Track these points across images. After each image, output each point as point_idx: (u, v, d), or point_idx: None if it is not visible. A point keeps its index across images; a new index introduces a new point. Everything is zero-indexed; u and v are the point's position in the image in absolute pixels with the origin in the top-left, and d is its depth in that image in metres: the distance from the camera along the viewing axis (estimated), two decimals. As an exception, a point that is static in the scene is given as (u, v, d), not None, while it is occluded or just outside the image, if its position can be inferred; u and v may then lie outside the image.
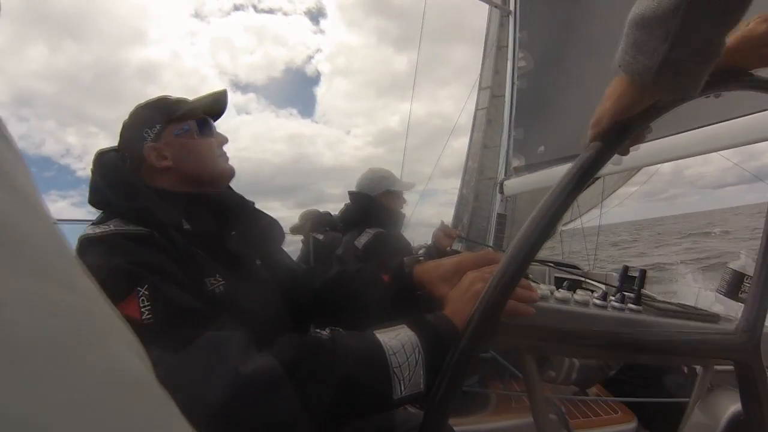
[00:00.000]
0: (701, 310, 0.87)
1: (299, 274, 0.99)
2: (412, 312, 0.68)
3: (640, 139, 0.63)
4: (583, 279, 2.71)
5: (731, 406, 0.85)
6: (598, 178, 3.03)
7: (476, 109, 4.35)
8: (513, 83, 3.09)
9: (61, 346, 0.14)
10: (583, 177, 0.57)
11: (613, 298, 0.77)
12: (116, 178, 0.77)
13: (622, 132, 0.58)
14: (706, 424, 0.84)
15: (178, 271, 0.67)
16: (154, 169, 0.82)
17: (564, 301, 0.71)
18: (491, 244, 3.21)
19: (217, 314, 0.63)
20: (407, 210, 2.27)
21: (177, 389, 0.50)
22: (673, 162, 1.75)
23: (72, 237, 0.73)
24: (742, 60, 0.61)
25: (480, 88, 4.33)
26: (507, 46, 3.36)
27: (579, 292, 0.74)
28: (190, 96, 0.91)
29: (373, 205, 2.06)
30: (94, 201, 0.78)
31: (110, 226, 0.70)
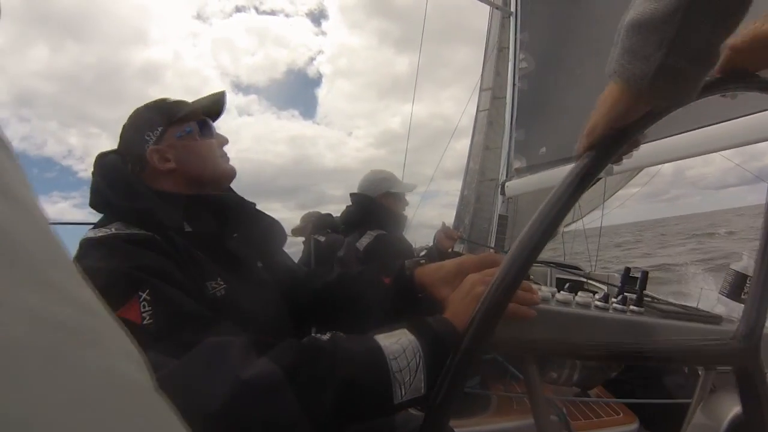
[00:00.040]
0: (703, 311, 0.86)
1: (300, 276, 0.99)
2: (414, 315, 0.68)
3: (634, 146, 0.62)
4: (584, 280, 2.70)
5: (733, 408, 0.85)
6: (599, 179, 3.02)
7: (477, 111, 4.35)
8: (514, 84, 3.09)
9: (57, 354, 0.14)
10: (578, 187, 0.56)
11: (614, 299, 0.77)
12: (117, 180, 0.77)
13: (617, 141, 0.57)
14: (709, 426, 0.83)
15: (179, 274, 0.67)
16: (157, 172, 0.82)
17: (565, 303, 0.71)
18: (493, 246, 3.21)
19: (218, 319, 0.63)
20: (409, 212, 2.28)
21: (177, 395, 0.50)
22: (674, 163, 1.75)
23: (74, 239, 0.73)
24: (750, 60, 0.59)
25: (481, 90, 4.33)
26: (508, 48, 3.37)
27: (580, 293, 0.74)
28: (192, 97, 0.92)
29: (374, 206, 2.06)
30: (95, 203, 0.78)
31: (112, 229, 0.71)
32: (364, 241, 1.95)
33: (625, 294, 0.78)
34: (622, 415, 1.63)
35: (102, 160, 0.81)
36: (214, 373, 0.51)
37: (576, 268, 3.56)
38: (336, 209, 2.50)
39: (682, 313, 0.79)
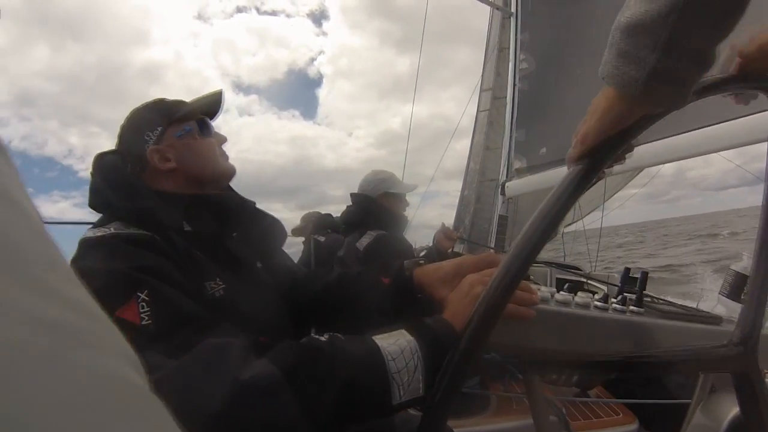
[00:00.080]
0: (703, 312, 0.86)
1: (300, 277, 0.99)
2: (413, 315, 0.68)
3: (628, 151, 0.61)
4: (584, 280, 2.70)
5: (733, 408, 0.85)
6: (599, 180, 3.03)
7: (478, 111, 4.35)
8: (514, 85, 3.10)
9: (50, 354, 0.14)
10: (570, 198, 0.56)
11: (614, 300, 0.77)
12: (117, 180, 0.77)
13: (610, 149, 0.56)
14: (708, 426, 0.83)
15: (178, 275, 0.67)
16: (157, 172, 0.82)
17: (565, 303, 0.71)
18: (493, 246, 3.21)
19: (217, 320, 0.63)
20: (409, 212, 2.27)
21: (176, 396, 0.50)
22: (675, 164, 1.75)
23: (74, 238, 0.73)
24: (763, 68, 0.58)
25: (481, 90, 4.33)
26: (508, 48, 3.37)
27: (580, 294, 0.74)
28: (193, 97, 0.92)
29: (375, 206, 2.06)
30: (94, 203, 0.78)
31: (111, 229, 0.70)
32: (364, 241, 1.95)
33: (625, 294, 0.78)
34: (621, 415, 1.63)
35: (101, 160, 0.81)
36: (213, 375, 0.51)
37: (576, 268, 3.56)
38: (336, 209, 2.50)
39: (681, 314, 0.79)
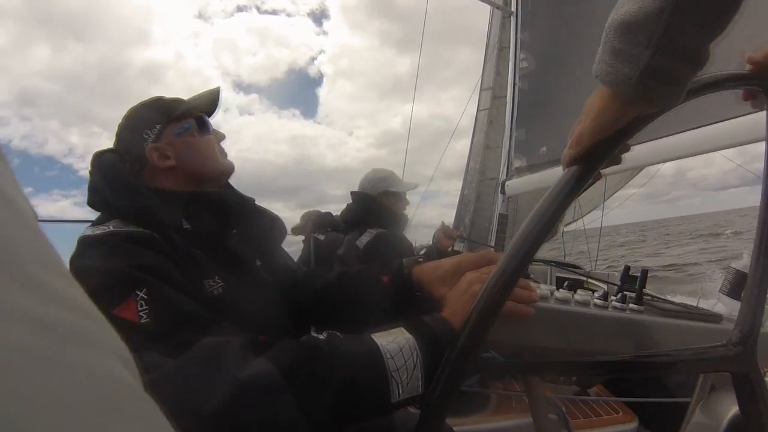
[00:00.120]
0: (703, 310, 0.86)
1: (299, 276, 0.99)
2: (412, 313, 0.68)
3: (624, 151, 0.60)
4: (585, 279, 2.70)
5: (733, 407, 0.85)
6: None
7: (478, 110, 4.36)
8: (515, 84, 3.09)
9: (43, 353, 0.14)
10: (566, 198, 0.56)
11: (614, 298, 0.77)
12: (115, 178, 0.77)
13: (605, 150, 0.55)
14: (708, 425, 0.83)
15: (177, 273, 0.66)
16: (156, 170, 0.82)
17: (564, 301, 0.71)
18: (493, 245, 3.21)
19: (216, 318, 0.63)
20: (409, 211, 2.27)
21: (174, 395, 0.49)
22: (675, 164, 1.75)
23: (74, 237, 0.73)
24: None
25: (482, 89, 4.34)
26: (509, 47, 3.37)
27: (579, 291, 0.74)
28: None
29: (375, 205, 2.06)
30: (93, 202, 0.78)
31: (109, 227, 0.70)
32: (364, 240, 1.95)
33: (625, 292, 0.78)
34: (621, 413, 1.63)
35: (99, 158, 0.81)
36: (212, 374, 0.50)
37: (576, 267, 3.56)
38: (337, 209, 2.50)
39: (681, 312, 0.79)
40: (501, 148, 3.41)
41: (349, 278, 0.94)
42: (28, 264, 0.16)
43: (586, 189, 0.58)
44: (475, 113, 4.37)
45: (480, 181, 4.23)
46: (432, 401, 0.55)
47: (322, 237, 2.51)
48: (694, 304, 1.03)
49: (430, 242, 2.36)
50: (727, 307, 1.41)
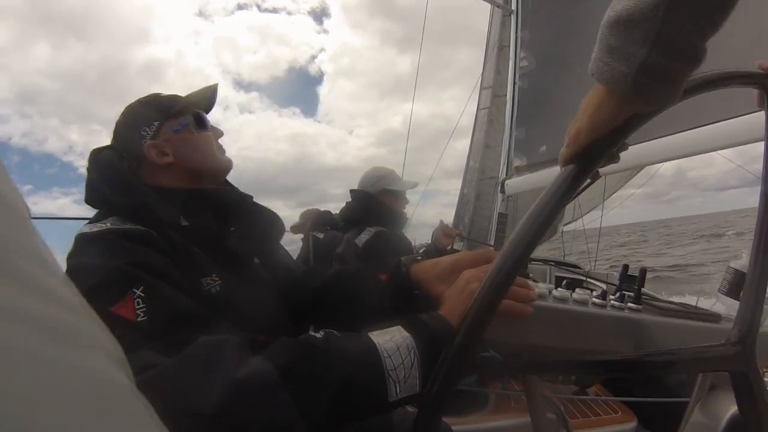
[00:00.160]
0: (702, 309, 0.86)
1: (298, 274, 0.98)
2: (410, 311, 0.67)
3: (622, 150, 0.60)
4: (584, 278, 2.70)
5: (732, 406, 0.85)
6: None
7: (478, 109, 4.35)
8: (515, 83, 3.09)
9: (31, 350, 0.14)
10: (563, 197, 0.55)
11: (612, 297, 0.76)
12: (113, 176, 0.77)
13: (602, 148, 0.55)
14: (707, 425, 0.83)
15: (174, 271, 0.66)
16: (155, 167, 0.82)
17: (562, 299, 0.71)
18: (492, 244, 3.21)
19: (213, 317, 0.63)
20: (408, 210, 2.27)
21: (171, 394, 0.49)
22: (675, 164, 1.75)
23: (73, 235, 0.72)
24: None
25: (482, 88, 4.33)
26: (509, 46, 3.36)
27: (578, 290, 0.74)
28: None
29: (374, 203, 2.06)
30: (91, 199, 0.77)
31: (107, 224, 0.70)
32: (363, 238, 1.95)
33: (623, 291, 0.78)
34: (620, 413, 1.63)
35: (97, 155, 0.81)
36: (209, 373, 0.50)
37: (575, 266, 3.56)
38: (337, 207, 2.50)
39: (680, 311, 0.79)
40: (501, 147, 3.41)
41: (348, 277, 0.94)
42: (17, 259, 0.16)
43: (584, 189, 0.58)
44: (475, 112, 4.37)
45: (480, 180, 4.23)
46: (429, 399, 0.54)
47: (321, 235, 2.50)
48: (693, 304, 1.03)
49: (429, 241, 2.36)
50: (725, 306, 1.41)
